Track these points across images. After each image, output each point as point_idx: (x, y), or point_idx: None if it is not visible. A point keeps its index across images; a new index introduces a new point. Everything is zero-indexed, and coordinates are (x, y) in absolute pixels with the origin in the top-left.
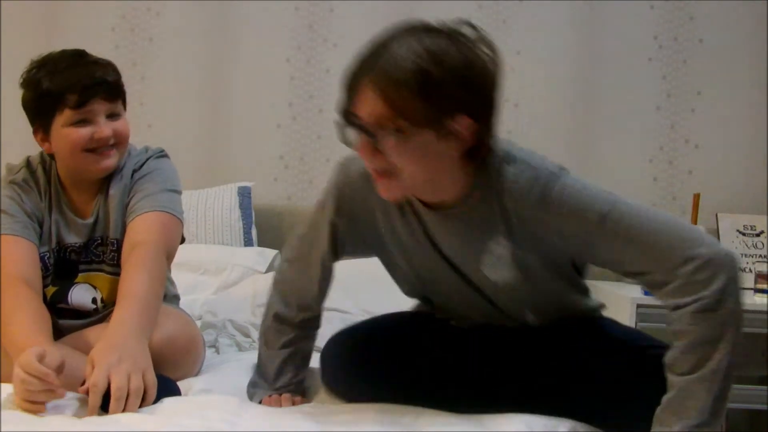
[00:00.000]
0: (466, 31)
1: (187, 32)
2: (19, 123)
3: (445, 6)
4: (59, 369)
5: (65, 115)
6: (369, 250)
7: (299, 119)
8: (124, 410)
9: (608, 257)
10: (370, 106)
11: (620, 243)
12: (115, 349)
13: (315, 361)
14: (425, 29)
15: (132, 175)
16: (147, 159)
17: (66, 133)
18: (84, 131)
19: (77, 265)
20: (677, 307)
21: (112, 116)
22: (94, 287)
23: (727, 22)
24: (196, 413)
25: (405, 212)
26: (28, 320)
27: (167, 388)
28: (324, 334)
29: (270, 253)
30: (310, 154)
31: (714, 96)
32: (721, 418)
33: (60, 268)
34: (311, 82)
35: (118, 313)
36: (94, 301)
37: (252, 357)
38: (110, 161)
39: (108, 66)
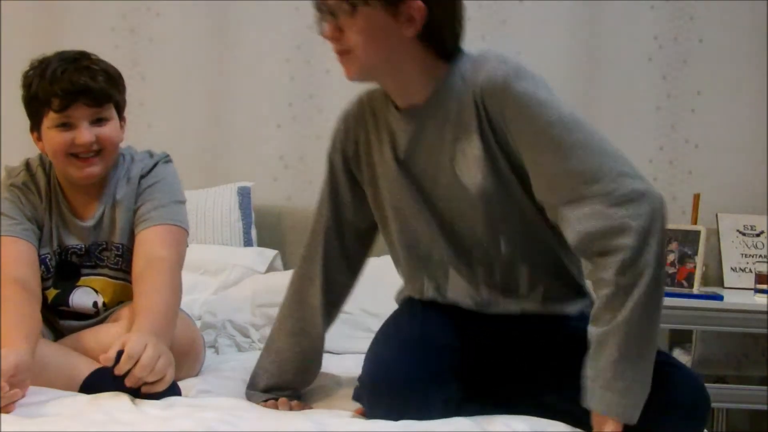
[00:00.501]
0: None
1: (187, 32)
2: (19, 123)
3: None
4: (16, 371)
5: (50, 118)
6: (364, 201)
7: (299, 119)
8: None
9: (542, 171)
10: None
11: (560, 156)
12: (149, 335)
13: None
14: None
15: (139, 180)
16: (155, 164)
17: (50, 135)
18: (65, 135)
19: (79, 268)
20: (601, 254)
21: (99, 121)
22: (95, 291)
23: (727, 22)
24: (196, 415)
25: (381, 136)
26: (10, 322)
27: (168, 388)
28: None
29: (270, 253)
30: (310, 154)
31: (714, 96)
32: (639, 376)
33: (61, 271)
34: (311, 82)
35: (142, 324)
36: (95, 304)
37: (251, 357)
38: (93, 169)
39: (100, 71)
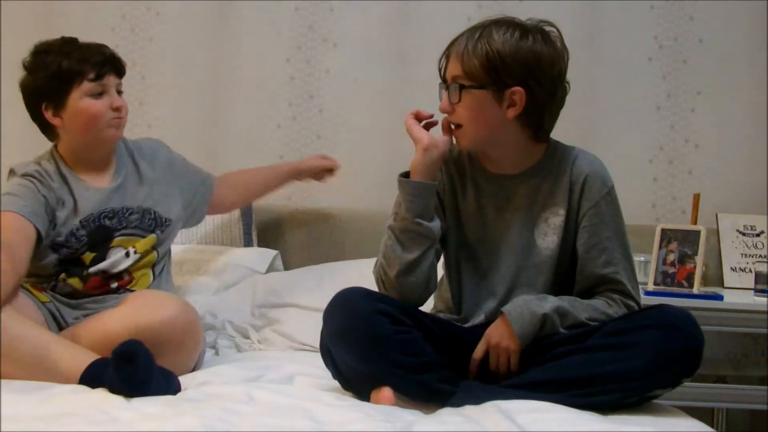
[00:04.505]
0: (549, 29)
1: (187, 32)
2: (18, 122)
3: (445, 6)
4: None
5: (82, 89)
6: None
7: (299, 119)
8: None
9: (601, 260)
10: (451, 68)
11: (617, 255)
12: None
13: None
14: (515, 23)
15: (151, 161)
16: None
17: (85, 104)
18: (102, 102)
19: (112, 231)
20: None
21: (119, 93)
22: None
23: (727, 22)
24: (195, 413)
25: (466, 190)
26: None
27: (167, 381)
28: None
29: (270, 254)
30: (310, 154)
31: (714, 96)
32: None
33: (96, 234)
34: (311, 82)
35: None
36: (127, 254)
37: (252, 358)
38: (121, 132)
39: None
